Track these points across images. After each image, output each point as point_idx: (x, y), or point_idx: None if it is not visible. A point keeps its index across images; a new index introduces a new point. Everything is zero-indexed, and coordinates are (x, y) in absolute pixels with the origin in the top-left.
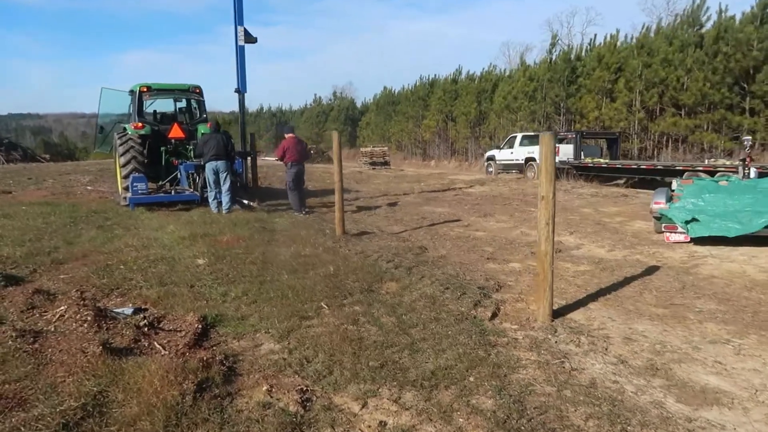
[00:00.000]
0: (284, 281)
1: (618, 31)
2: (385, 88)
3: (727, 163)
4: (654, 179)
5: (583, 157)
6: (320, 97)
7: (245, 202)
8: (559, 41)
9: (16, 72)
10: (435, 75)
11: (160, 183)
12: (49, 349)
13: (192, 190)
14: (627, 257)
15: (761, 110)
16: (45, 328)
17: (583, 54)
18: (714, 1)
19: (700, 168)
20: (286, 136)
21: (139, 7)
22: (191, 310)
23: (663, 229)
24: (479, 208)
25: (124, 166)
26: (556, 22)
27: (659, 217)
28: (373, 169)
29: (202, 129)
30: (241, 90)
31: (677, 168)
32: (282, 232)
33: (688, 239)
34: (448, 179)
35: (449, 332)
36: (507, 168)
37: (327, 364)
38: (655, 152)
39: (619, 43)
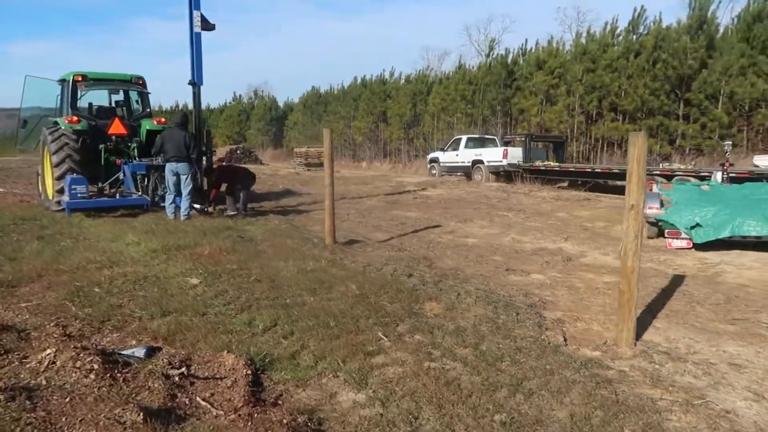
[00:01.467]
0: (311, 304)
1: (552, 37)
2: (313, 87)
3: (683, 167)
4: (597, 182)
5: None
6: (240, 95)
7: (200, 206)
8: (497, 45)
9: None
10: (365, 75)
11: (100, 185)
12: (63, 418)
13: (140, 193)
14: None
15: (697, 117)
16: (35, 383)
17: (520, 59)
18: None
19: (657, 172)
20: None
21: None
22: (221, 347)
23: (666, 235)
24: (451, 212)
25: (57, 165)
26: (473, 28)
27: (654, 223)
28: (309, 170)
29: (147, 125)
30: (196, 82)
31: None
32: (264, 243)
33: (691, 245)
34: (395, 181)
35: (546, 366)
36: (451, 170)
37: (444, 421)
38: (594, 156)
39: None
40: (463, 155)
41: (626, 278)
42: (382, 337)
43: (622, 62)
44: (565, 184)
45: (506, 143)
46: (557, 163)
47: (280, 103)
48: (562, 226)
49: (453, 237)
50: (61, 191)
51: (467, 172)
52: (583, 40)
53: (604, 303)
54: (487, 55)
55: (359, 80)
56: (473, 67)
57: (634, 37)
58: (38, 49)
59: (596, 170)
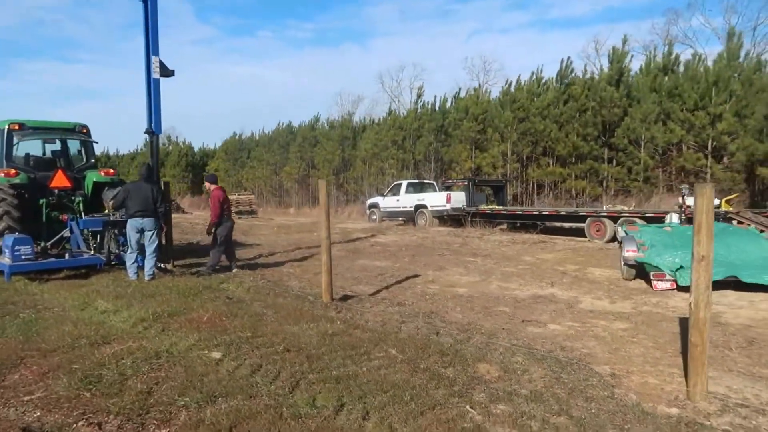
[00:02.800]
0: (364, 375)
1: (479, 86)
2: (234, 133)
3: (626, 208)
4: (536, 223)
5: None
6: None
7: (162, 265)
8: (424, 92)
9: None
10: (290, 121)
11: (43, 244)
12: None
13: (92, 252)
14: (638, 309)
15: (623, 161)
16: None
17: (447, 105)
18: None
19: (604, 214)
20: (212, 187)
21: None
22: None
23: (652, 278)
24: (420, 261)
25: None
26: (386, 75)
27: (633, 266)
28: (240, 218)
29: (94, 176)
30: (154, 131)
31: (581, 214)
32: (257, 303)
33: (674, 286)
34: (338, 228)
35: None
36: (392, 215)
37: None
38: (527, 198)
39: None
40: (405, 200)
41: (698, 330)
42: (470, 410)
43: (553, 110)
44: (504, 226)
45: (447, 188)
46: (501, 207)
47: (195, 149)
48: (538, 271)
49: (440, 287)
50: None
51: (409, 217)
52: (512, 89)
53: (640, 353)
54: (415, 102)
55: (283, 126)
56: (403, 113)
57: (562, 86)
58: None
59: (543, 213)
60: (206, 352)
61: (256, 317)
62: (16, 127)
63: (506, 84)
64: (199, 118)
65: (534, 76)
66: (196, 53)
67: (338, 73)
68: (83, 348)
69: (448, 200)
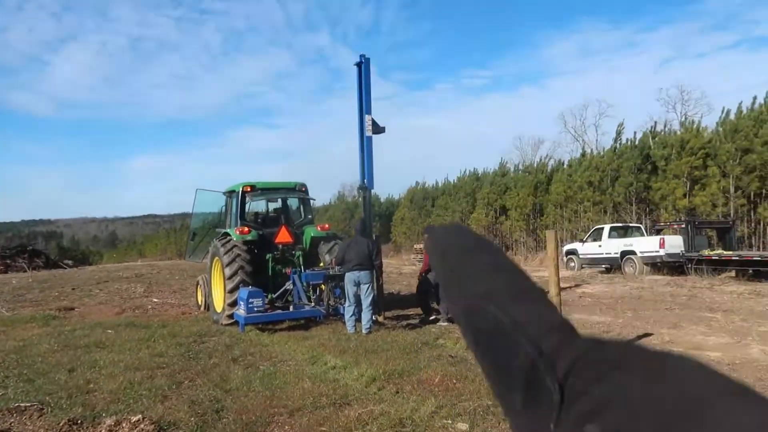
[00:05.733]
0: None
1: (692, 119)
2: (417, 183)
3: None
4: None
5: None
6: (344, 194)
7: (374, 317)
8: (623, 129)
9: (26, 178)
10: (475, 168)
11: (270, 296)
12: None
13: (313, 304)
14: None
15: None
16: None
17: (649, 141)
18: None
19: None
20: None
21: (149, 114)
22: None
23: None
24: (645, 316)
25: (230, 277)
26: (568, 114)
27: None
28: None
29: (312, 232)
30: (367, 186)
31: None
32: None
33: None
34: (535, 276)
35: None
36: (593, 263)
37: None
38: (756, 241)
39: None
40: (608, 246)
41: None
42: None
43: None
44: (733, 274)
45: (658, 231)
46: (732, 252)
47: (382, 199)
48: None
49: (684, 350)
50: (233, 304)
51: (614, 264)
52: (732, 117)
53: None
54: (615, 140)
55: (467, 173)
56: (600, 153)
57: None
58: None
59: None
60: (450, 422)
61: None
62: (249, 189)
63: (723, 111)
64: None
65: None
66: (379, 109)
67: (516, 118)
68: (326, 409)
69: (662, 245)
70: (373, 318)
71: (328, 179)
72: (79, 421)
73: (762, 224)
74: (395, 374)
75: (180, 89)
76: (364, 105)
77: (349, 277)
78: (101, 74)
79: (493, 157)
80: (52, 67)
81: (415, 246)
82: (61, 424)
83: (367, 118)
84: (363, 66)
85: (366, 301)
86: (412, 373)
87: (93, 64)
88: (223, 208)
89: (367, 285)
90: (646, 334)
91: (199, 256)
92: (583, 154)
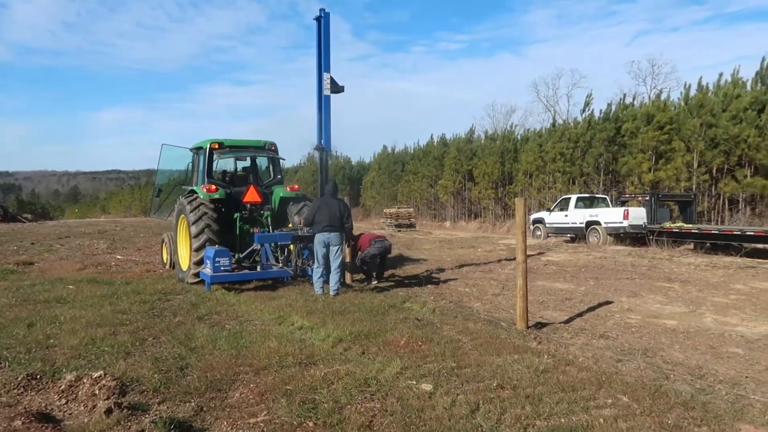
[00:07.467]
0: (602, 428)
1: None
2: (384, 148)
3: None
4: (731, 244)
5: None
6: (314, 156)
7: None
8: (592, 100)
9: None
10: (444, 134)
11: (238, 256)
12: None
13: (281, 265)
14: None
15: None
16: None
17: (620, 114)
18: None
19: None
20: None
21: (114, 65)
22: None
23: None
24: (606, 284)
25: (196, 236)
26: (541, 83)
27: None
28: (399, 231)
29: (280, 192)
30: (324, 146)
31: None
32: (447, 327)
33: None
34: (501, 244)
35: None
36: (559, 232)
37: None
38: (716, 215)
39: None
40: (574, 216)
41: None
42: None
43: (751, 113)
44: (691, 246)
45: (623, 203)
46: (691, 225)
47: (353, 162)
48: (759, 303)
49: (642, 318)
50: (199, 263)
51: (579, 233)
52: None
53: None
54: (582, 111)
55: (437, 138)
56: (572, 124)
57: (763, 87)
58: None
59: (748, 233)
60: (414, 382)
61: (452, 344)
62: (216, 146)
63: (685, 87)
64: (353, 132)
65: (730, 77)
66: (352, 70)
67: (491, 84)
68: (292, 368)
69: (626, 216)
70: (341, 280)
71: (300, 140)
72: (38, 376)
73: (722, 199)
74: (361, 336)
75: (147, 40)
76: (323, 62)
77: (319, 238)
78: (62, 19)
79: (468, 124)
80: (11, 10)
81: (384, 210)
82: (19, 379)
83: (325, 76)
84: (323, 20)
85: (335, 263)
86: (378, 335)
87: (54, 8)
88: (190, 165)
89: (337, 247)
90: (607, 302)
91: (164, 213)
92: (554, 124)
